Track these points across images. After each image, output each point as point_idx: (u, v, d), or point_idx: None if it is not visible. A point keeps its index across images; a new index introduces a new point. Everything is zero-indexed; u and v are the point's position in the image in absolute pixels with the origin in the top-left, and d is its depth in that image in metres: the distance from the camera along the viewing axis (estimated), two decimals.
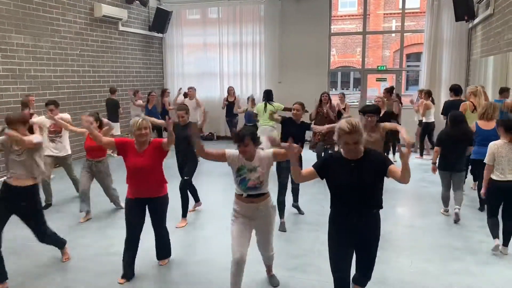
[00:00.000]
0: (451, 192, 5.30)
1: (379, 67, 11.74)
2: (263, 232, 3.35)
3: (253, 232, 3.32)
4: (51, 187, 5.88)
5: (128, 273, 3.74)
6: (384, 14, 21.59)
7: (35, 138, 3.69)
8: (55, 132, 5.73)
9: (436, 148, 5.30)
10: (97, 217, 5.40)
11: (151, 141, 3.68)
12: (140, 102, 9.65)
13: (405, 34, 11.30)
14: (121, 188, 4.57)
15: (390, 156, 8.43)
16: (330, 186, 2.77)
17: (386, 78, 12.37)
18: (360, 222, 2.68)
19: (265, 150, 3.27)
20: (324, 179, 2.77)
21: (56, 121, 5.34)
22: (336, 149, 6.10)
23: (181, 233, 4.87)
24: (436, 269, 3.93)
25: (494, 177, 4.17)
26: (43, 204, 5.76)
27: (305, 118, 5.50)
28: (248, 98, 9.09)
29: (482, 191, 4.36)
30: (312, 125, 5.36)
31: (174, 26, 12.04)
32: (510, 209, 4.17)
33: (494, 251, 4.21)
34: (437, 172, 5.29)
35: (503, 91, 6.33)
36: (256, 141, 3.14)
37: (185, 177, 5.08)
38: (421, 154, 8.91)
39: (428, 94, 8.81)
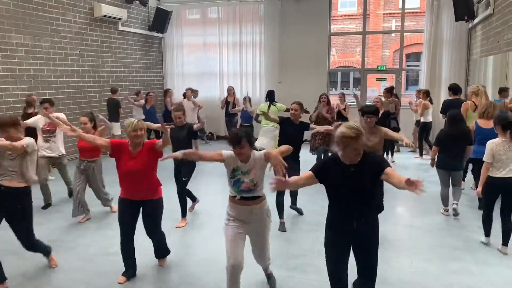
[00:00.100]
0: (450, 190, 5.31)
1: (379, 67, 11.71)
2: (258, 237, 3.22)
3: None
4: (50, 187, 5.86)
5: (129, 270, 3.74)
6: (384, 14, 21.54)
7: (27, 140, 3.55)
8: (49, 132, 5.69)
9: (434, 147, 5.36)
10: (97, 217, 5.40)
11: (145, 142, 3.60)
12: (142, 102, 9.65)
13: (405, 34, 11.28)
14: (115, 190, 4.53)
15: (389, 156, 8.45)
16: (328, 190, 2.72)
17: (386, 78, 12.37)
18: (359, 226, 2.65)
19: (259, 151, 3.18)
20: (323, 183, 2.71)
21: (52, 119, 5.30)
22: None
23: (181, 234, 4.87)
24: (436, 269, 3.94)
25: (492, 174, 4.21)
26: (43, 204, 5.79)
27: (305, 119, 5.45)
28: (244, 98, 9.10)
29: (478, 189, 4.38)
30: (311, 125, 5.25)
31: (174, 26, 12.03)
32: (508, 207, 4.22)
33: (485, 243, 4.45)
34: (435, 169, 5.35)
35: (502, 91, 6.35)
36: (251, 142, 3.07)
37: (184, 178, 5.06)
38: (421, 154, 8.92)
39: (426, 93, 8.84)
